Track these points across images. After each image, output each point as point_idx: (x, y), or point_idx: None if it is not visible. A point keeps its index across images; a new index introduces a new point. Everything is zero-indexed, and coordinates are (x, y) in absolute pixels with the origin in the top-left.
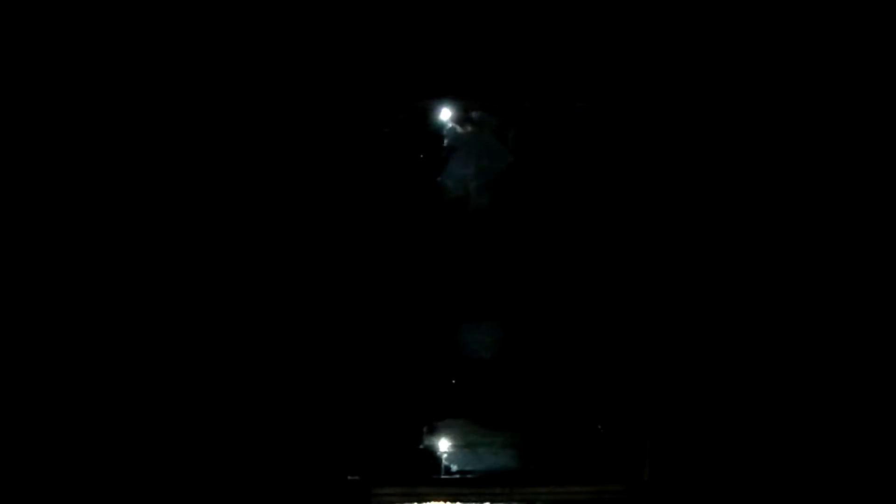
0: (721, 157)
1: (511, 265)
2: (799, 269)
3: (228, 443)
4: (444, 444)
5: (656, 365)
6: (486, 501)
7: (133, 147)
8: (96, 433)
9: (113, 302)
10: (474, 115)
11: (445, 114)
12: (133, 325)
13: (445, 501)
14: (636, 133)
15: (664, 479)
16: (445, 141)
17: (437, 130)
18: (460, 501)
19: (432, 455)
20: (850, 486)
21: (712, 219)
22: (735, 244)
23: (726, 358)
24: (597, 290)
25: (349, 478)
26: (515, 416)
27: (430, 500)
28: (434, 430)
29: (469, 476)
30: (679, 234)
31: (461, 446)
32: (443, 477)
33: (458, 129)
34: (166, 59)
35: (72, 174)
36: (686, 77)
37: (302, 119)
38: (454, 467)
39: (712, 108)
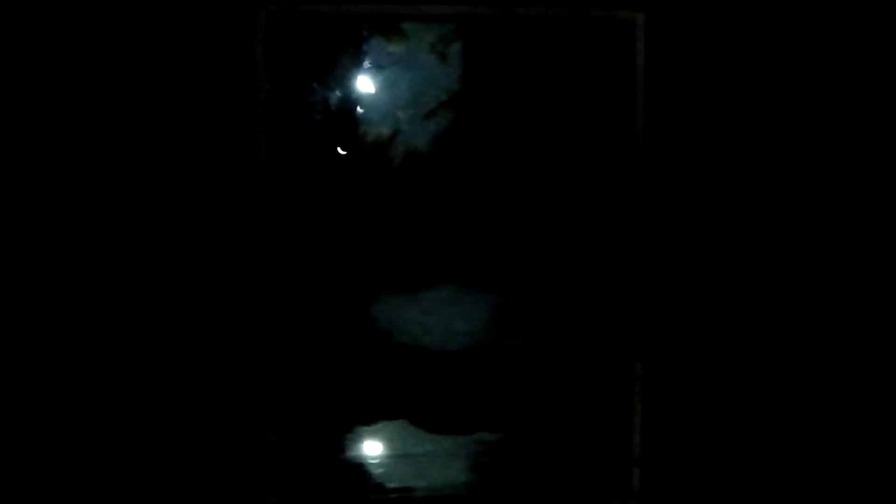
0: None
1: (454, 221)
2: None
3: (121, 466)
4: (377, 454)
5: (645, 349)
6: None
7: None
8: None
9: None
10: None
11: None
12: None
13: None
14: (617, 50)
15: (658, 489)
16: (368, 60)
17: (356, 46)
18: None
19: (362, 468)
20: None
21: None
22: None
23: (724, 350)
24: (569, 253)
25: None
26: (469, 416)
27: None
28: (365, 437)
29: (411, 495)
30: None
31: (399, 456)
32: (375, 497)
33: (386, 44)
34: None
35: None
36: None
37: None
38: (391, 484)
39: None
